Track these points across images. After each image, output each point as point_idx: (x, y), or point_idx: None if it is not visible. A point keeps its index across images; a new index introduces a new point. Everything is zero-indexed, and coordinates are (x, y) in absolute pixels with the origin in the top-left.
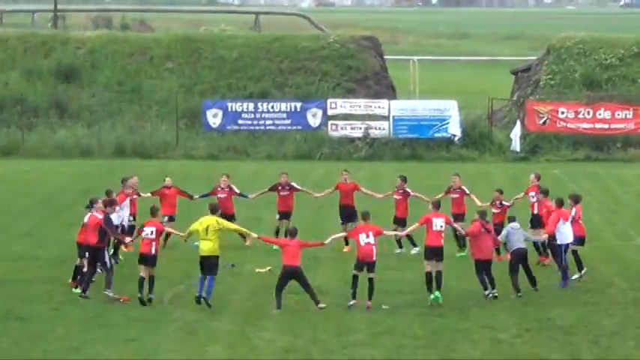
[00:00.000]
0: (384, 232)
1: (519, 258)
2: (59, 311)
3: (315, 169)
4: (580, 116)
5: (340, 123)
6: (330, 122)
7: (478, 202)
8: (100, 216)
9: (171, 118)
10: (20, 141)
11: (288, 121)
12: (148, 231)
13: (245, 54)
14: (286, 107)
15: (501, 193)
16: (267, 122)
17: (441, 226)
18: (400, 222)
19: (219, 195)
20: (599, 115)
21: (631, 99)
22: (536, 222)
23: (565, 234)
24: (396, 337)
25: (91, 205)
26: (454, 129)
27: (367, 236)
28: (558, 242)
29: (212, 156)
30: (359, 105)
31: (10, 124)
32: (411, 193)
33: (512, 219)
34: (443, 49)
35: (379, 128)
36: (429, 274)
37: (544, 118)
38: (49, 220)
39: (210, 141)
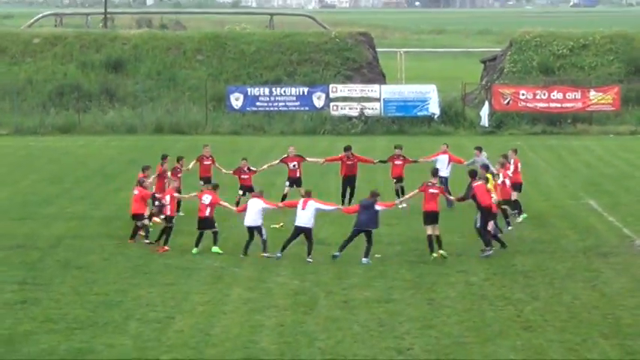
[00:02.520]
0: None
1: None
2: (109, 261)
3: (319, 143)
4: (537, 97)
5: (340, 104)
6: (331, 104)
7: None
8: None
9: (201, 102)
10: (77, 121)
11: (297, 103)
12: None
13: (261, 48)
14: (296, 92)
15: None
16: (280, 104)
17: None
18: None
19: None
20: (553, 96)
21: (579, 83)
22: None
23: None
24: (387, 280)
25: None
26: (434, 108)
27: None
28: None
29: (235, 132)
30: (355, 89)
31: (68, 108)
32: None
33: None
34: (424, 42)
35: (372, 108)
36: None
37: (508, 99)
38: (100, 186)
39: (234, 120)
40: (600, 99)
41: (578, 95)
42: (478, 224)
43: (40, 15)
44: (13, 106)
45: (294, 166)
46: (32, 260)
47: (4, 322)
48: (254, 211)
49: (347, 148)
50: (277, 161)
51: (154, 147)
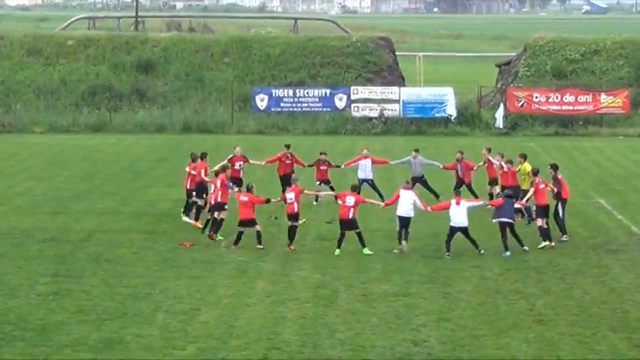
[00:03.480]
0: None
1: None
2: (138, 254)
3: (340, 142)
4: (550, 100)
5: (361, 105)
6: (353, 105)
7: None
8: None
9: (227, 102)
10: (108, 120)
11: (319, 104)
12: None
13: (286, 51)
14: (318, 93)
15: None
16: (303, 105)
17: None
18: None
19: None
20: (566, 99)
21: (590, 86)
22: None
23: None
24: (405, 275)
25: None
26: (451, 110)
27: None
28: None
29: (260, 132)
30: (376, 91)
31: (100, 107)
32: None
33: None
34: (442, 47)
35: (392, 110)
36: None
37: (522, 102)
38: (130, 182)
39: (259, 120)
40: (610, 102)
41: (590, 98)
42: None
43: (74, 18)
44: (47, 105)
45: (239, 165)
46: (64, 253)
47: (37, 312)
48: (407, 202)
49: (287, 146)
50: (226, 161)
51: (182, 145)
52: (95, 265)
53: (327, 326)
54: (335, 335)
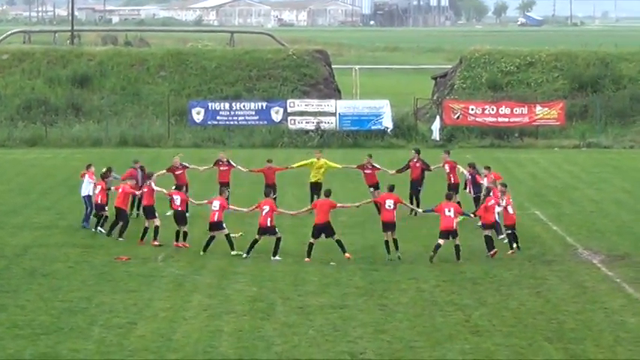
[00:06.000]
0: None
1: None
2: (74, 269)
3: (277, 155)
4: (486, 112)
5: (297, 118)
6: (289, 118)
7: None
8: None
9: (163, 116)
10: (44, 134)
11: (256, 117)
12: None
13: (222, 64)
14: (255, 106)
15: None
16: (240, 118)
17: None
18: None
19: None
20: (501, 111)
21: (526, 98)
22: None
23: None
24: (341, 287)
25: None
26: (387, 122)
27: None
28: None
29: (196, 145)
30: (312, 104)
31: (35, 121)
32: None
33: None
34: (379, 59)
35: (328, 122)
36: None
37: (458, 114)
38: (66, 197)
39: (195, 133)
40: (546, 114)
41: (525, 110)
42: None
43: (9, 32)
44: None
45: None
46: None
47: None
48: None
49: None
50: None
51: (118, 159)
52: (31, 280)
53: (264, 339)
54: (272, 348)
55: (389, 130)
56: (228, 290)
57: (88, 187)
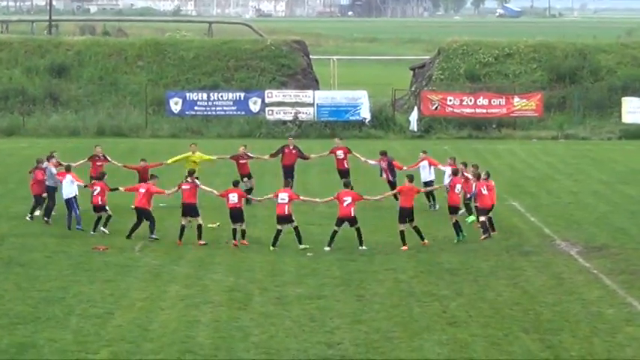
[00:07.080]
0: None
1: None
2: (52, 258)
3: (255, 145)
4: (464, 103)
5: (275, 109)
6: (267, 108)
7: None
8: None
9: (141, 106)
10: (21, 124)
11: (234, 108)
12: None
13: (200, 54)
14: (232, 96)
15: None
16: (218, 108)
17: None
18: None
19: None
20: (479, 102)
21: (504, 90)
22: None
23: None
24: (318, 278)
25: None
26: (365, 113)
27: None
28: None
29: (174, 135)
30: (290, 95)
31: (13, 111)
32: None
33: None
34: (357, 50)
35: (306, 113)
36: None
37: (436, 105)
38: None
39: (173, 123)
40: (524, 105)
41: (503, 102)
42: None
43: None
44: None
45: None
46: None
47: None
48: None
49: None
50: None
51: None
52: (7, 269)
53: (241, 329)
54: (249, 338)
55: (367, 121)
56: (206, 280)
57: (72, 187)
